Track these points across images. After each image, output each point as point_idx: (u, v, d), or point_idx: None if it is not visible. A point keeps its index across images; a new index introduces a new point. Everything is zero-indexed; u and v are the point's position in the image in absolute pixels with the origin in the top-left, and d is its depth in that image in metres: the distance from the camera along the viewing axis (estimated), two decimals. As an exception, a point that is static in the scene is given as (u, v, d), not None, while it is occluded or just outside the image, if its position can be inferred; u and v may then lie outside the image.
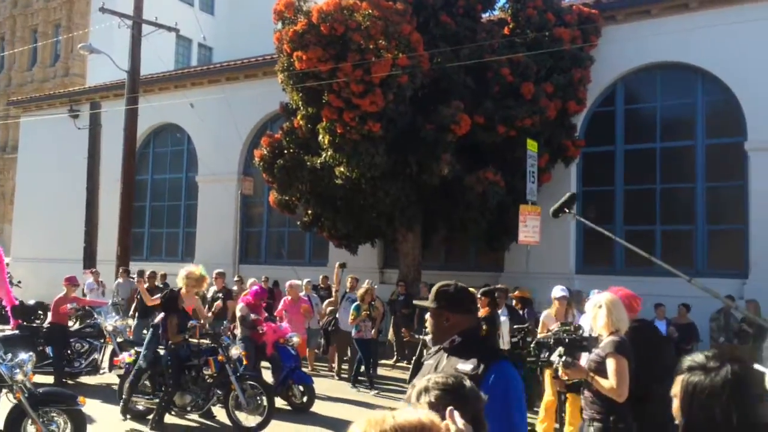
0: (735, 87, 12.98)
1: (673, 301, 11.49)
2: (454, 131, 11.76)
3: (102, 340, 10.59)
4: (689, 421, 1.95)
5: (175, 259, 20.00)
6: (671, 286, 12.53)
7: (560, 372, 4.42)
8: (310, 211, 14.06)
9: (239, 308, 9.63)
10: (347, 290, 11.51)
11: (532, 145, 12.24)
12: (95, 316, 11.34)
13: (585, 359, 4.47)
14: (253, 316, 9.29)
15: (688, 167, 13.84)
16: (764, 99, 12.50)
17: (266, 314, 9.66)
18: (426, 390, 2.01)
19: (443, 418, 1.60)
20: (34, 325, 12.16)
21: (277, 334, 9.14)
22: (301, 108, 12.98)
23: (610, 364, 4.06)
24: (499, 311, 8.52)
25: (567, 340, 4.80)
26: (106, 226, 18.36)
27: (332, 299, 12.00)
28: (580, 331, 5.02)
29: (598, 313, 4.28)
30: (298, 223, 14.76)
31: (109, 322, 10.56)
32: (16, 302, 13.03)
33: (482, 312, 7.93)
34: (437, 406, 1.91)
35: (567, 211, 4.39)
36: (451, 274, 14.17)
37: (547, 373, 6.72)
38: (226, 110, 18.27)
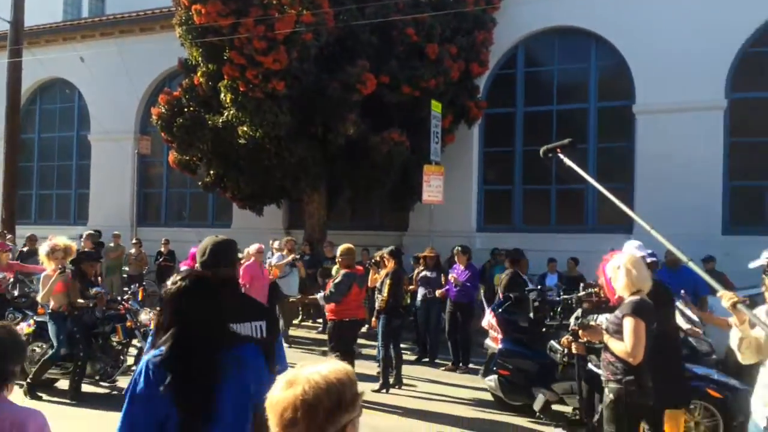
0: (625, 52, 13.65)
1: (565, 255, 12.11)
2: (359, 90, 11.72)
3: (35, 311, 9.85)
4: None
5: (66, 222, 19.02)
6: (564, 242, 13.30)
7: (579, 334, 4.35)
8: (212, 172, 13.69)
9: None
10: (285, 253, 11.27)
11: (436, 106, 12.40)
12: (28, 285, 10.59)
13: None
14: None
15: (581, 129, 14.50)
16: (651, 64, 13.22)
17: None
18: None
19: None
20: None
21: None
22: (201, 65, 12.50)
23: (627, 324, 3.97)
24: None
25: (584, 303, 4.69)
26: (-12, 187, 17.12)
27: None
28: (593, 290, 4.96)
29: (617, 275, 4.17)
30: (200, 183, 14.35)
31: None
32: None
33: (388, 268, 8.14)
34: None
35: (559, 152, 4.17)
36: (356, 233, 14.30)
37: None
38: (120, 66, 17.31)
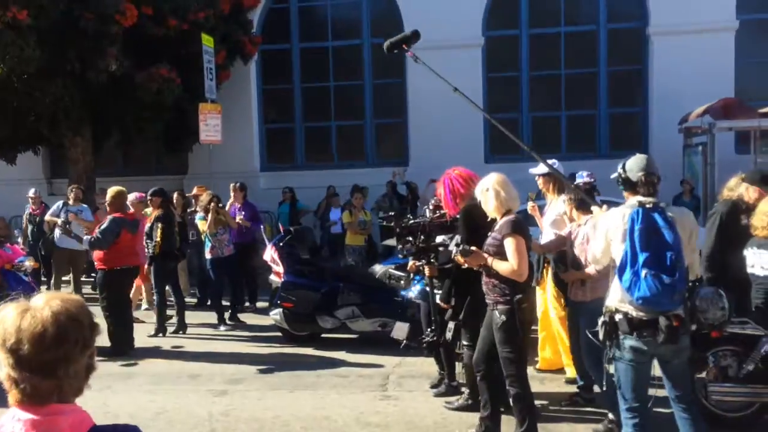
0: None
1: (348, 190, 12.46)
2: (119, 22, 10.71)
3: None
4: None
5: None
6: (346, 177, 13.64)
7: (458, 260, 4.22)
8: (-53, 116, 11.80)
9: None
10: (69, 201, 9.88)
11: (207, 41, 11.79)
12: None
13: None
14: None
15: (357, 66, 14.80)
16: (418, 1, 13.79)
17: None
18: None
19: None
20: None
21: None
22: None
23: (509, 244, 3.97)
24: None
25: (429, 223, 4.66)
26: None
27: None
28: (444, 211, 4.90)
29: (487, 197, 4.15)
30: (-69, 130, 12.31)
31: None
32: None
33: (154, 212, 7.72)
34: None
35: (405, 48, 3.93)
36: (130, 179, 13.40)
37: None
38: None
